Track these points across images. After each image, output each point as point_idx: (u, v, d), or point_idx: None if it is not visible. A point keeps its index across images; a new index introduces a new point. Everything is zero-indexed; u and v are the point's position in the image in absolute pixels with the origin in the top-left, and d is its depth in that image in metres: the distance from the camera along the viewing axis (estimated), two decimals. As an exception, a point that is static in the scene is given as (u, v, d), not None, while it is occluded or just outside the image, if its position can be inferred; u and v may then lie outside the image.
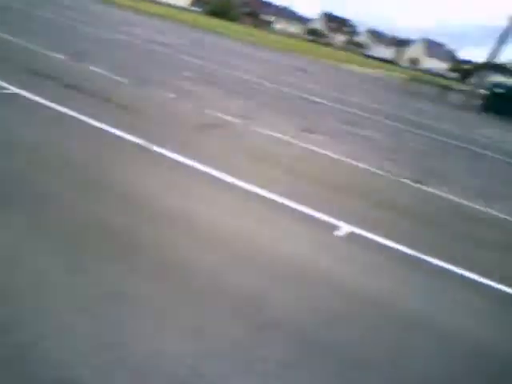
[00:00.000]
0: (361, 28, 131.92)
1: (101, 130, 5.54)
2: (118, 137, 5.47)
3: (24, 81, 6.83)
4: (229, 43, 31.01)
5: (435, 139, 12.78)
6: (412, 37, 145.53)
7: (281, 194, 4.98)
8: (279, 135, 7.81)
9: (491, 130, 19.82)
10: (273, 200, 4.81)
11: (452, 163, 10.10)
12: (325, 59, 41.78)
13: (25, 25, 13.51)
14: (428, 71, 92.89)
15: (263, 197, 4.83)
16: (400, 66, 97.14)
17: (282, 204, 4.78)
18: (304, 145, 7.67)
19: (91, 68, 9.41)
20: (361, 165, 7.38)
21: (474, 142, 13.96)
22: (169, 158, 5.25)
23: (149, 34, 21.58)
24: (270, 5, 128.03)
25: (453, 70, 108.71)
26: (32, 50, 9.62)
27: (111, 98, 7.27)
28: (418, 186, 7.10)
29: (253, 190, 4.93)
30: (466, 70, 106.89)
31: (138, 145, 5.39)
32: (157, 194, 4.24)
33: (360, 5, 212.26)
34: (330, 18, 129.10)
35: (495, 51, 27.36)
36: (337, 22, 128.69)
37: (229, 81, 13.31)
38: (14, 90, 6.23)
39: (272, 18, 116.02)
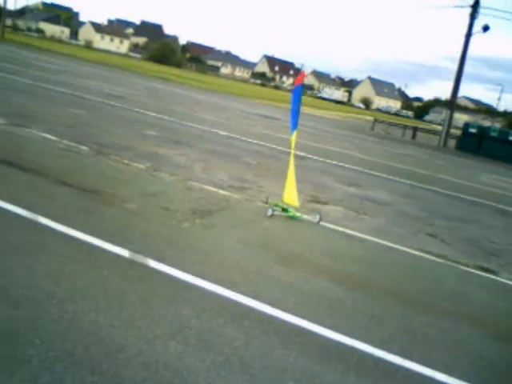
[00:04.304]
0: (304, 70, 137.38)
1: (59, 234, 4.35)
2: (87, 244, 4.27)
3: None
4: (182, 91, 30.56)
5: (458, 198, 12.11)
6: (354, 77, 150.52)
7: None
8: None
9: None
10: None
11: None
12: (286, 104, 40.56)
13: None
14: (381, 110, 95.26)
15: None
16: (353, 106, 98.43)
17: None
18: (329, 225, 6.56)
19: (37, 133, 8.42)
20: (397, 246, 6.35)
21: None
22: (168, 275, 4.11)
23: (98, 85, 21.34)
24: (212, 50, 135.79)
25: (405, 107, 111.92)
26: None
27: (68, 177, 6.19)
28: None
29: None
30: (419, 108, 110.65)
31: (116, 257, 4.21)
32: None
33: (299, 48, 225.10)
34: (273, 61, 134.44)
35: (455, 89, 30.06)
36: (280, 65, 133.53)
37: (202, 138, 12.41)
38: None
39: (219, 63, 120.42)
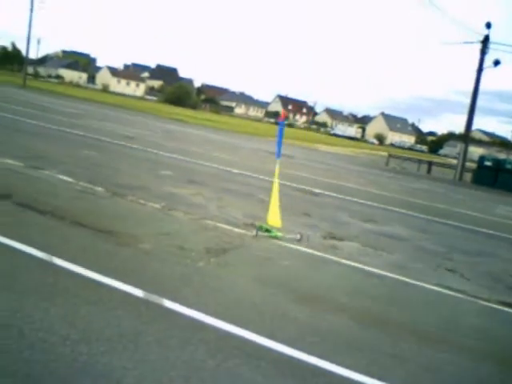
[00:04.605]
0: (317, 108, 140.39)
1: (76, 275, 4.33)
2: (102, 285, 4.27)
3: None
4: (197, 131, 31.23)
5: (476, 231, 11.89)
6: (367, 113, 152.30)
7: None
8: (310, 251, 6.70)
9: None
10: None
11: None
12: (299, 141, 41.75)
13: None
14: (394, 145, 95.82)
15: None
16: (367, 142, 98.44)
17: None
18: (346, 262, 6.52)
19: (54, 175, 8.53)
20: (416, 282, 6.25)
21: None
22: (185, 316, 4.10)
23: (114, 127, 21.67)
24: (226, 91, 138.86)
25: (420, 142, 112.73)
26: None
27: (83, 219, 6.14)
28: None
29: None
30: (433, 142, 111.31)
31: (131, 297, 4.19)
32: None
33: (312, 86, 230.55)
34: (286, 100, 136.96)
35: (468, 123, 30.34)
36: (293, 104, 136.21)
37: (216, 177, 12.48)
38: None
39: (233, 104, 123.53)
